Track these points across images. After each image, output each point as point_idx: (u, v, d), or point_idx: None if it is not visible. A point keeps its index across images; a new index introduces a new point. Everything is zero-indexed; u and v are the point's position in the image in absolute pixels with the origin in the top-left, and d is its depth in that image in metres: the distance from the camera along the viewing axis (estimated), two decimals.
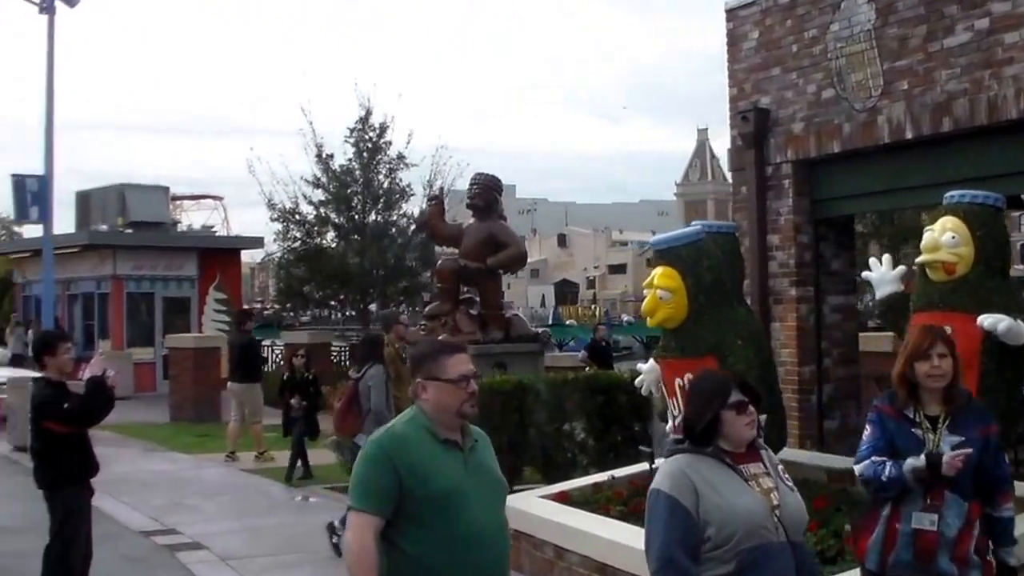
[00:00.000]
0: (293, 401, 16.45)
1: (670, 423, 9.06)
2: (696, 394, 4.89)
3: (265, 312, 54.99)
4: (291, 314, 40.22)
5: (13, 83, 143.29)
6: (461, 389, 4.65)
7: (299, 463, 16.33)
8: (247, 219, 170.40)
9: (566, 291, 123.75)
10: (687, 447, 4.76)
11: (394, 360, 12.54)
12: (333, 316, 59.19)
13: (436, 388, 4.66)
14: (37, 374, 22.32)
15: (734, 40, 12.78)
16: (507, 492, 4.96)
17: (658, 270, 8.84)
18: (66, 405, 8.43)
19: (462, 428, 4.73)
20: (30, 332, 30.97)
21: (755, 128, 12.13)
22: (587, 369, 19.63)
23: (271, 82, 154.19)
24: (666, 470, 4.75)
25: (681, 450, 4.78)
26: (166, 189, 36.68)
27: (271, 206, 28.93)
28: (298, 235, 29.46)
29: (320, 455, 16.88)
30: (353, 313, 38.99)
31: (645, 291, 9.09)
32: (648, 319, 9.08)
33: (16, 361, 29.75)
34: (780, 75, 12.05)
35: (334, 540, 11.33)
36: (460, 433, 4.72)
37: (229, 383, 19.15)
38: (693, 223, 9.88)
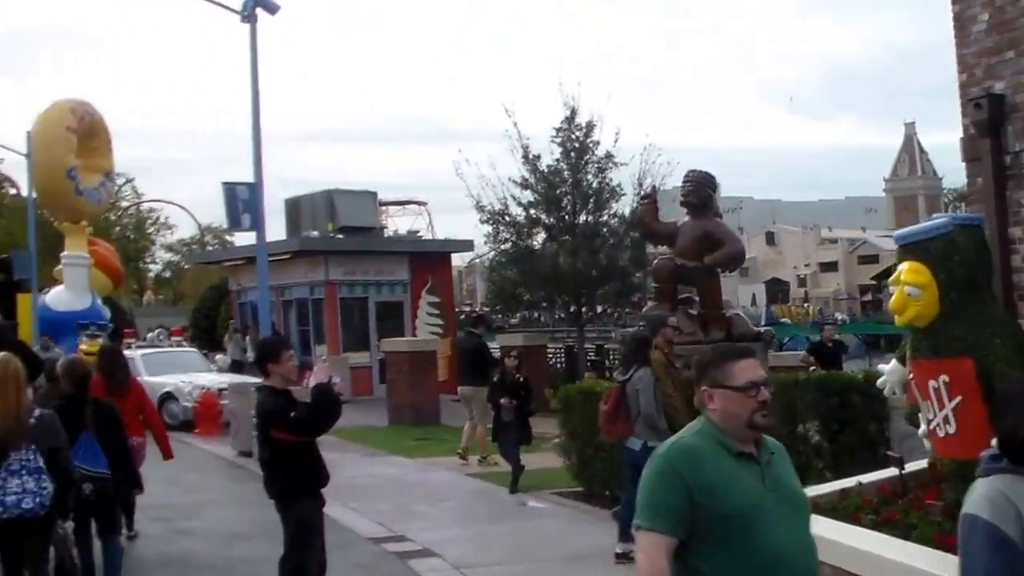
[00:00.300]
0: (503, 401, 16.15)
1: (923, 427, 8.57)
2: (1011, 403, 4.24)
3: (474, 315, 55.36)
4: (500, 316, 40.23)
5: (222, 95, 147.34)
6: (750, 397, 4.23)
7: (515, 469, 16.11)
8: (450, 223, 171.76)
9: (776, 290, 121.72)
10: (1006, 466, 4.10)
11: (663, 366, 11.97)
12: (542, 319, 59.26)
13: (723, 396, 4.26)
14: (257, 380, 22.70)
15: (962, 23, 12.05)
16: (811, 510, 4.52)
17: (904, 265, 8.32)
18: (292, 414, 8.26)
19: (757, 440, 4.30)
20: (247, 338, 31.66)
21: (990, 115, 11.39)
22: (811, 369, 19.02)
23: (471, 85, 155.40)
24: (983, 492, 4.10)
25: (998, 469, 4.12)
26: (374, 194, 36.98)
27: (480, 208, 28.88)
28: (508, 237, 29.38)
29: (544, 458, 16.70)
30: (562, 316, 38.77)
31: (891, 288, 8.59)
32: (896, 317, 8.59)
33: (235, 367, 30.41)
34: (1015, 58, 11.30)
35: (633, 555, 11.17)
36: (755, 445, 4.29)
37: (459, 386, 19.09)
38: (935, 216, 9.32)
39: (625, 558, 11.26)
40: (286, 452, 8.35)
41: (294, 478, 8.43)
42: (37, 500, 7.97)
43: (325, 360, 8.85)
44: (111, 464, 9.58)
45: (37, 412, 8.35)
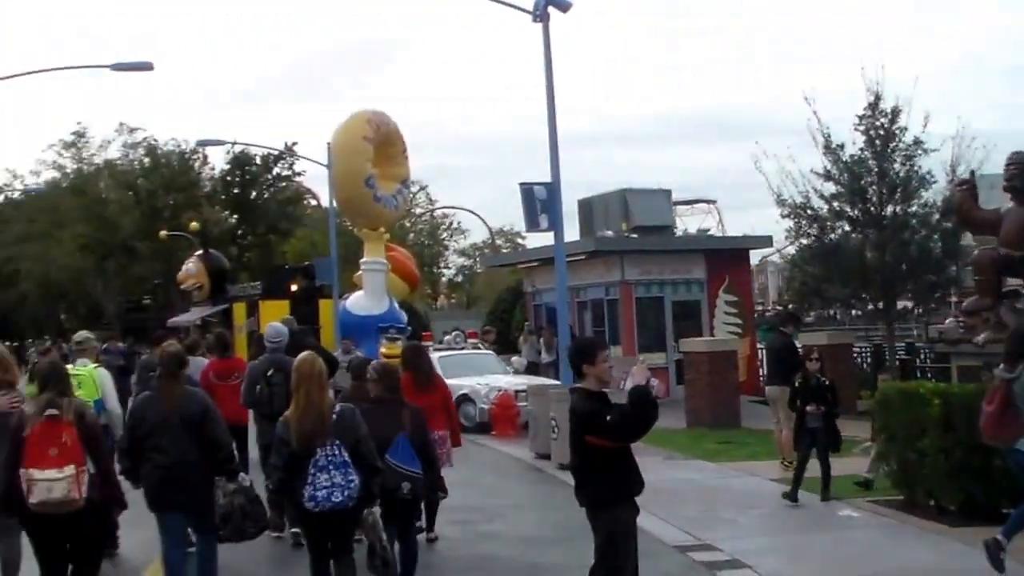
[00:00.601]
0: (809, 408, 14.98)
1: None
2: None
3: (767, 314, 54.16)
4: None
5: (511, 100, 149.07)
6: None
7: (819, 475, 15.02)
8: (738, 221, 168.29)
9: None
10: None
11: None
12: (838, 316, 57.42)
13: None
14: (552, 381, 22.42)
15: None
16: None
17: None
18: (608, 418, 7.75)
19: None
20: (542, 340, 31.52)
21: None
22: None
23: (757, 80, 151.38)
24: None
25: None
26: (668, 192, 36.36)
27: (781, 202, 27.84)
28: (811, 232, 28.21)
29: (854, 464, 15.72)
30: (858, 312, 37.21)
31: None
32: None
33: (530, 369, 30.29)
34: None
35: (1001, 556, 10.21)
36: None
37: (767, 387, 18.27)
38: None
39: (996, 548, 10.20)
40: (600, 458, 7.91)
41: (607, 485, 7.98)
42: (346, 493, 8.42)
43: (643, 361, 8.27)
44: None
45: (337, 408, 8.80)
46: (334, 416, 8.66)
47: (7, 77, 25.34)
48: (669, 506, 14.04)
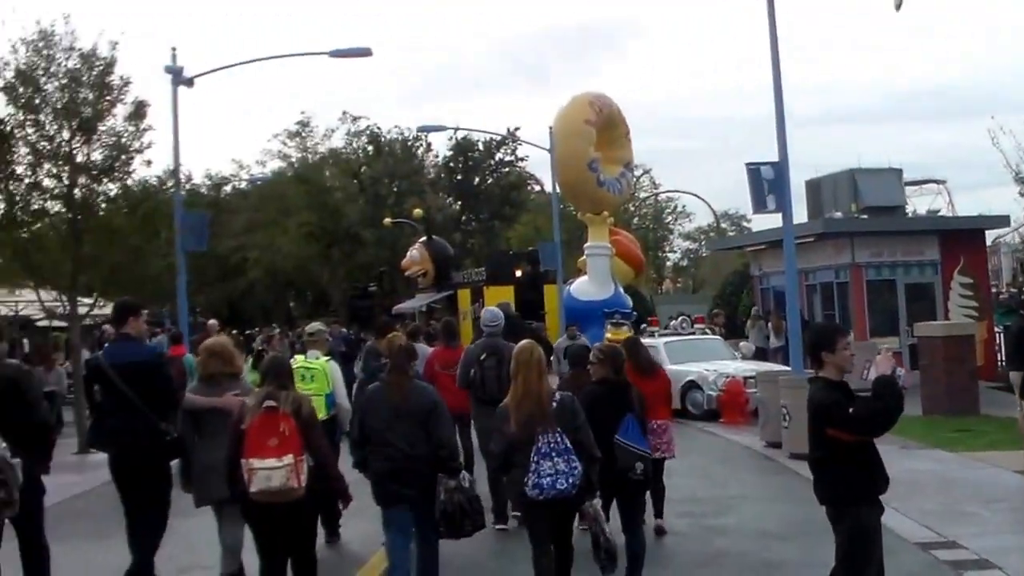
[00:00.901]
0: None
1: None
2: None
3: (1001, 296, 52.15)
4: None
5: (733, 82, 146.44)
6: None
7: None
8: (967, 201, 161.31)
9: None
10: None
11: None
12: None
13: None
14: (780, 367, 21.92)
15: None
16: None
17: None
18: (851, 410, 7.36)
19: None
20: (770, 325, 30.95)
21: None
22: None
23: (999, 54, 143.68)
24: None
25: None
26: (899, 171, 35.13)
27: (1020, 180, 26.71)
28: None
29: None
30: None
31: None
32: None
33: (759, 354, 29.76)
34: None
35: None
36: None
37: (1010, 372, 17.49)
38: None
39: None
40: (841, 452, 7.52)
41: (850, 482, 7.56)
42: (570, 480, 8.44)
43: (888, 349, 7.85)
44: None
45: (557, 396, 8.89)
46: (553, 404, 8.71)
47: (228, 66, 25.91)
48: (907, 498, 13.41)
